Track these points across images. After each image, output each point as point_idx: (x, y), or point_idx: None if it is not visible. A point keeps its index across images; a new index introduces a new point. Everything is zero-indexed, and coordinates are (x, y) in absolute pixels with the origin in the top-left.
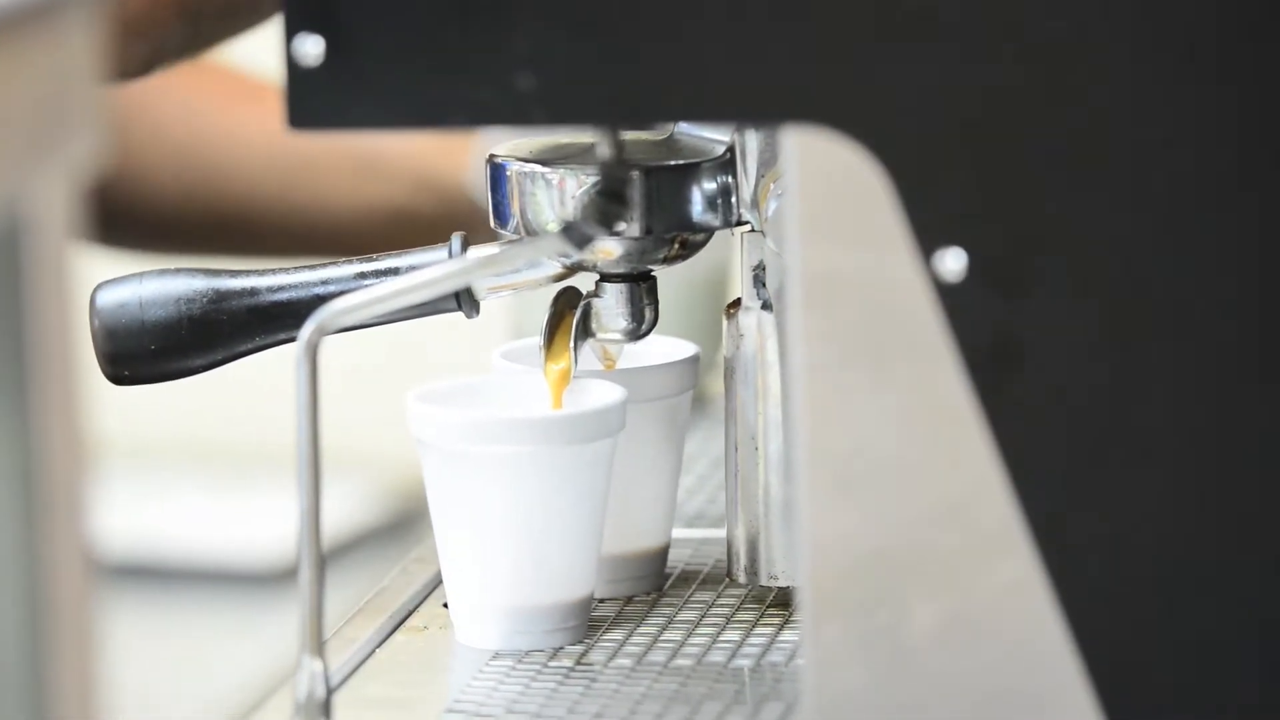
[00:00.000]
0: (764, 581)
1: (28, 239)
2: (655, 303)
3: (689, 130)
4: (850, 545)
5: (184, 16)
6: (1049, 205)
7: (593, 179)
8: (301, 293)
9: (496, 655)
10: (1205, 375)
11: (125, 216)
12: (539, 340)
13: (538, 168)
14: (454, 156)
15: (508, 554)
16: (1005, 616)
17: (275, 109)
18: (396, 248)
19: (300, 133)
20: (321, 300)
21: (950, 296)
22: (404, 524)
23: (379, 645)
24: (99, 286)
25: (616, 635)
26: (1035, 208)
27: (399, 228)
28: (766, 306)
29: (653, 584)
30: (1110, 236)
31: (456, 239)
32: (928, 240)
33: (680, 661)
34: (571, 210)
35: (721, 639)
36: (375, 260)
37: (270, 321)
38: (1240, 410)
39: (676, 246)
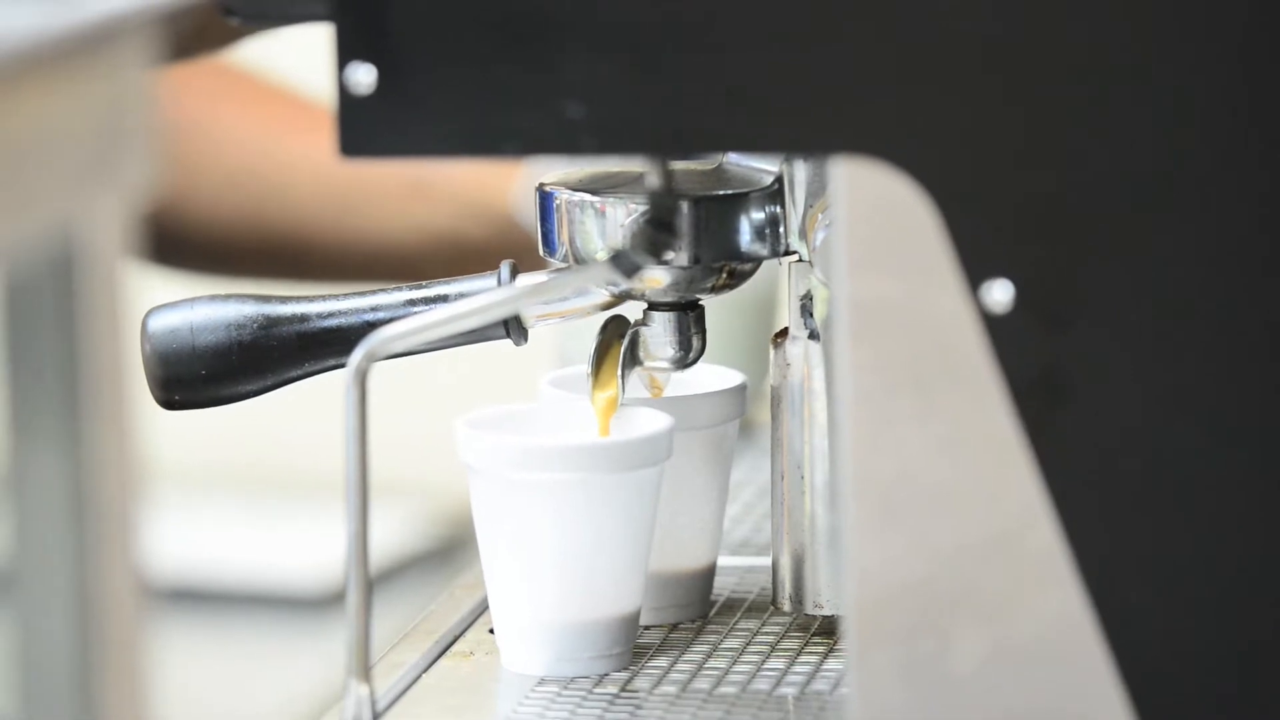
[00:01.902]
0: (809, 610)
1: (82, 264)
2: (703, 331)
3: (737, 160)
4: (895, 574)
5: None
6: (1096, 238)
7: (641, 208)
8: (351, 319)
9: (542, 681)
10: (1250, 410)
11: (179, 240)
12: (587, 368)
13: (587, 196)
14: (501, 182)
15: (554, 580)
16: (1050, 647)
17: (327, 134)
18: (444, 271)
19: (352, 161)
20: (371, 327)
21: (997, 328)
22: (451, 549)
23: (425, 670)
24: (151, 312)
25: (661, 662)
26: (1082, 240)
27: (447, 252)
28: (813, 336)
29: (698, 611)
30: (1157, 269)
31: (505, 267)
32: (975, 271)
33: (725, 689)
34: (620, 239)
35: (766, 667)
36: (424, 287)
37: (320, 347)
38: None
39: (724, 276)
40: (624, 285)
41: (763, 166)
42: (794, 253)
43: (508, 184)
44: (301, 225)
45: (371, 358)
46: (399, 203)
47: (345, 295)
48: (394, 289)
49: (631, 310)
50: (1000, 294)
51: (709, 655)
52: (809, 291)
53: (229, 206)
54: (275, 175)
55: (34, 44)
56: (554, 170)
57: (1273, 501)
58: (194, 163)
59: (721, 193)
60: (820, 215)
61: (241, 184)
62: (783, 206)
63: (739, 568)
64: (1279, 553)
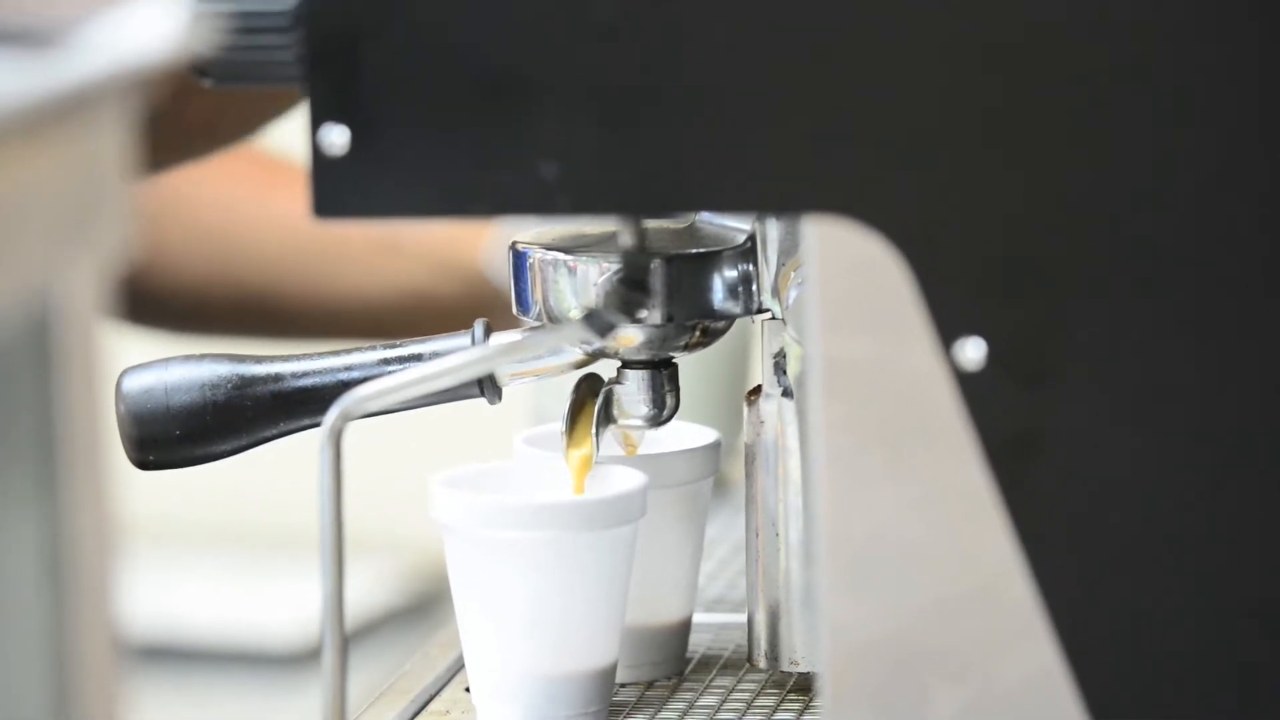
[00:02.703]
0: (784, 666)
1: (58, 326)
2: (676, 389)
3: (710, 219)
4: (870, 631)
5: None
6: (1068, 295)
7: (615, 267)
8: (325, 379)
9: None
10: (1225, 466)
11: (151, 296)
12: (561, 426)
13: (560, 255)
14: (472, 239)
15: (529, 638)
16: (1025, 705)
17: (298, 192)
18: (417, 329)
19: (326, 221)
20: (345, 386)
21: (970, 385)
22: (426, 607)
23: None
24: (125, 372)
25: None
26: (1054, 298)
27: (419, 310)
28: (787, 394)
29: (673, 668)
30: (1129, 327)
31: (479, 326)
32: (947, 329)
33: None
34: (593, 298)
35: None
36: (399, 347)
37: (294, 407)
38: (1261, 501)
39: (698, 334)
40: (598, 344)
41: (735, 225)
42: (767, 310)
43: (478, 241)
44: (272, 283)
45: (346, 417)
46: (369, 260)
47: (319, 355)
48: (368, 348)
49: (605, 368)
50: (973, 352)
51: (685, 713)
52: (782, 349)
53: (199, 263)
54: (245, 233)
55: (12, 107)
56: (526, 229)
57: (1248, 555)
58: (165, 220)
59: (694, 251)
60: (793, 273)
61: (211, 241)
62: (755, 265)
63: (714, 624)
64: (1254, 607)
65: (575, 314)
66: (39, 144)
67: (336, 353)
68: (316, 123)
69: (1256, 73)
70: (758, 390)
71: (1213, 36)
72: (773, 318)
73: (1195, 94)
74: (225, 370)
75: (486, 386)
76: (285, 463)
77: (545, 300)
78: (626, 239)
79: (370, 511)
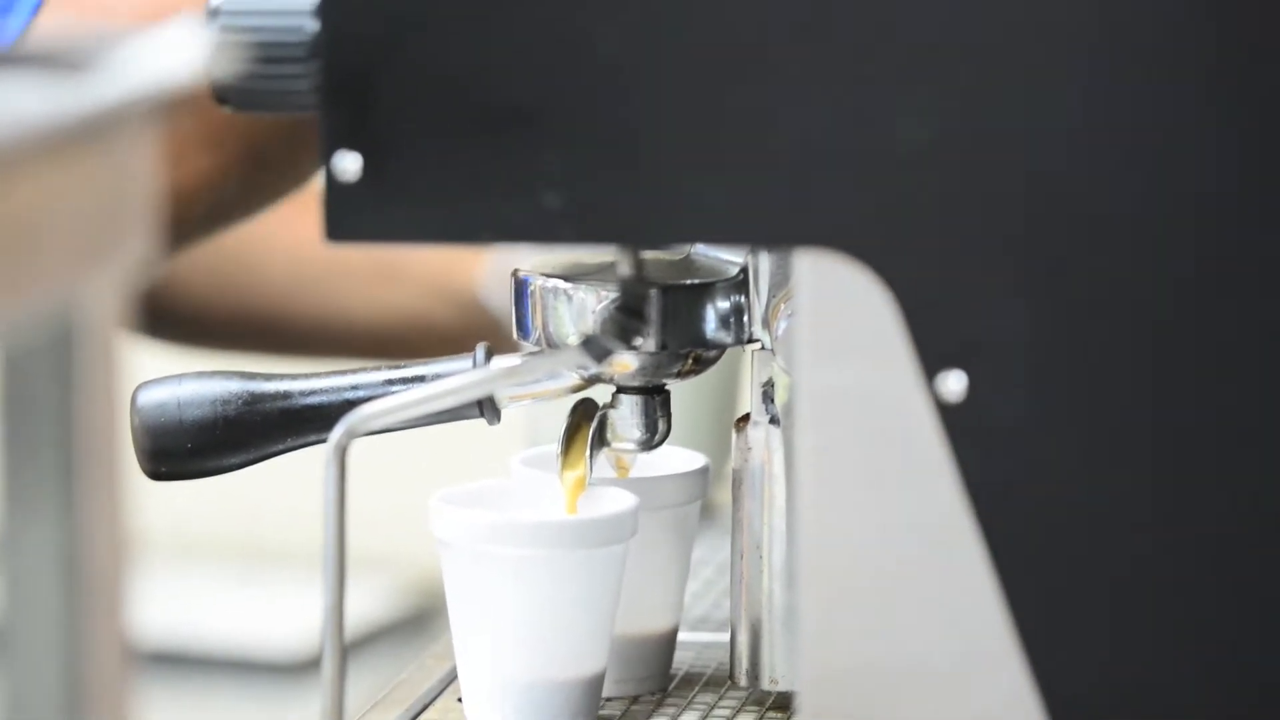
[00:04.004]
0: (765, 685)
1: (79, 339)
2: (668, 415)
3: (705, 251)
4: (849, 653)
5: (245, 166)
6: (1049, 331)
7: (612, 295)
8: (332, 397)
9: None
10: (1201, 503)
11: (165, 313)
12: (556, 447)
13: (560, 283)
14: (469, 265)
15: (520, 651)
16: None
17: (306, 219)
18: (416, 352)
19: (338, 245)
20: (351, 405)
21: (951, 417)
22: (423, 620)
23: None
24: (140, 387)
25: None
26: (1035, 333)
27: (418, 333)
28: (774, 421)
29: (658, 684)
30: (1110, 363)
31: (481, 349)
32: (931, 361)
33: None
34: (591, 325)
35: None
36: (403, 368)
37: (302, 424)
38: (1235, 535)
39: (690, 362)
40: (594, 369)
41: (729, 257)
42: (757, 341)
43: (475, 268)
44: (276, 303)
45: (351, 434)
46: (368, 284)
47: (327, 374)
48: (374, 369)
49: (601, 393)
50: (955, 384)
51: None
52: (770, 378)
53: (210, 284)
54: (254, 256)
55: (37, 126)
56: (528, 257)
57: (1220, 587)
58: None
59: (689, 282)
60: (783, 305)
61: (223, 263)
62: (747, 296)
63: (698, 643)
64: (1225, 636)
65: (573, 340)
66: (65, 163)
67: (343, 372)
68: (331, 150)
69: (1215, 112)
70: (746, 417)
71: (1178, 78)
72: (762, 348)
73: (1174, 134)
74: (236, 386)
75: (486, 408)
76: (292, 478)
77: (545, 326)
78: (624, 269)
79: (372, 527)
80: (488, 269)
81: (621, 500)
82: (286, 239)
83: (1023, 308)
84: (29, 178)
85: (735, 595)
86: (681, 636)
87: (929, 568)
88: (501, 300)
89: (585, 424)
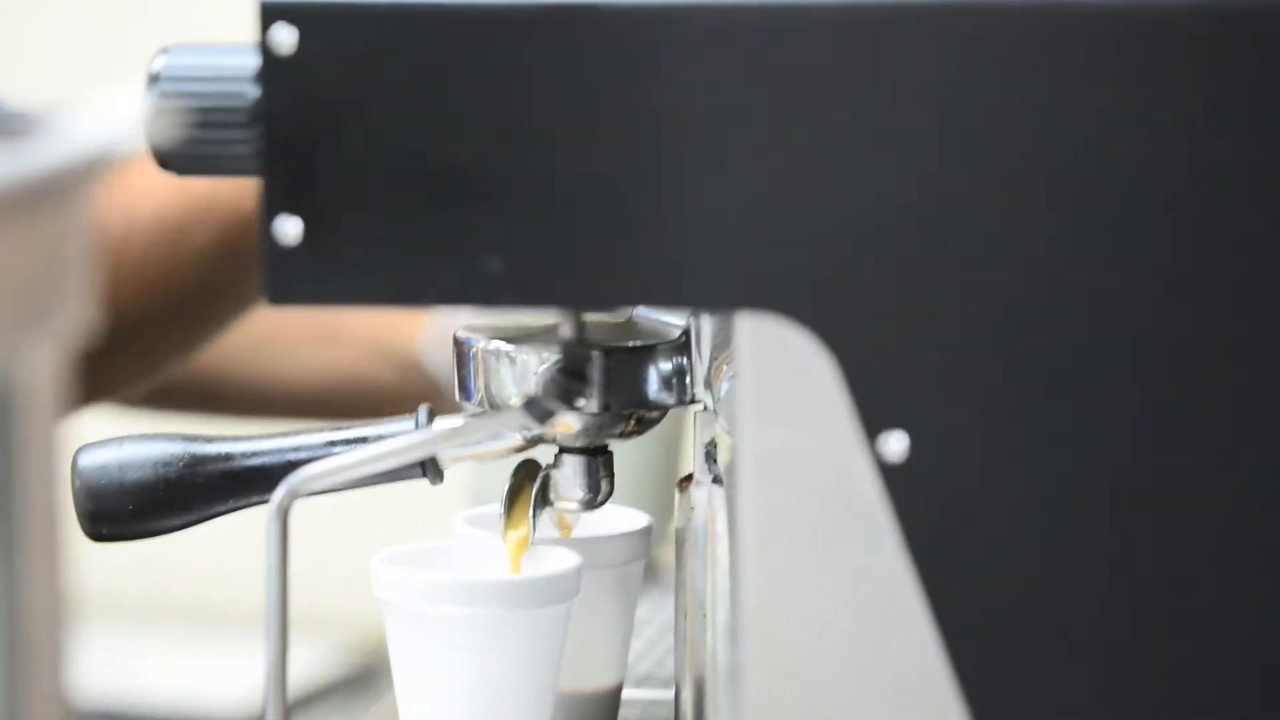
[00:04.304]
0: None
1: (16, 406)
2: (611, 475)
3: (647, 313)
4: (792, 712)
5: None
6: (990, 391)
7: (554, 357)
8: (274, 458)
9: None
10: (1144, 556)
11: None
12: (500, 507)
13: (502, 345)
14: (409, 327)
15: (463, 710)
16: None
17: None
18: (356, 413)
19: (280, 308)
20: (293, 466)
21: (893, 477)
22: (366, 679)
23: None
24: (81, 449)
25: None
26: (976, 393)
27: (357, 394)
28: (717, 481)
29: None
30: (1051, 422)
31: (423, 410)
32: (872, 422)
33: None
34: (534, 386)
35: None
36: (345, 429)
37: (244, 485)
38: (1191, 591)
39: (633, 423)
40: (537, 430)
41: (671, 320)
42: (699, 402)
43: (414, 330)
44: (219, 364)
45: (293, 495)
46: (307, 346)
47: (268, 436)
48: (315, 430)
49: (544, 454)
50: (896, 444)
51: None
52: (713, 439)
53: None
54: None
55: None
56: (469, 319)
57: (1169, 650)
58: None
59: (631, 344)
60: (725, 366)
61: None
62: (689, 358)
63: (643, 700)
64: (1172, 689)
65: (516, 401)
66: (4, 228)
67: (285, 434)
68: (271, 214)
69: (1184, 159)
70: (689, 478)
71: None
72: (705, 409)
73: (1116, 188)
74: (178, 449)
75: (429, 468)
76: (234, 538)
77: (487, 387)
78: (566, 331)
79: (314, 588)
80: (429, 331)
81: (565, 559)
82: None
83: (964, 369)
84: None
85: (679, 653)
86: (626, 694)
87: (872, 626)
88: (442, 361)
89: (528, 484)
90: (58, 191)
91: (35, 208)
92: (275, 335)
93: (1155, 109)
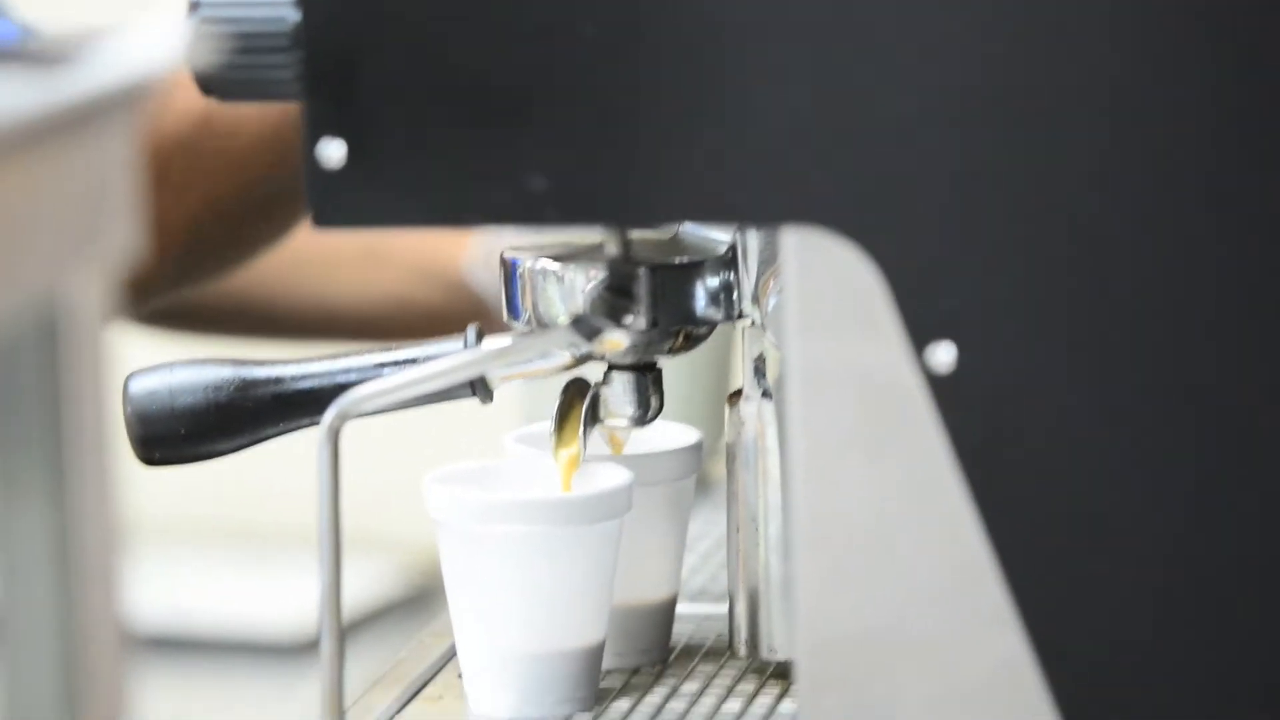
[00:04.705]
0: (764, 655)
1: (65, 329)
2: (660, 391)
3: (693, 229)
4: (844, 621)
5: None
6: (1037, 300)
7: (601, 275)
8: (324, 381)
9: None
10: (1193, 462)
11: (151, 299)
12: (550, 425)
13: (549, 264)
14: (453, 247)
15: (518, 627)
16: (995, 694)
17: None
18: (402, 334)
19: (324, 231)
20: (343, 388)
21: (941, 388)
22: (421, 599)
23: (396, 714)
24: (131, 375)
25: (623, 705)
26: (1023, 302)
27: (403, 315)
28: (766, 395)
29: (658, 656)
30: (1096, 331)
31: (472, 330)
32: (919, 334)
33: None
34: (581, 304)
35: (723, 709)
36: (394, 350)
37: (294, 408)
38: (1231, 495)
39: (681, 339)
40: (585, 348)
41: (717, 235)
42: (747, 317)
43: (459, 250)
44: (266, 289)
45: (344, 417)
46: (355, 269)
47: (318, 358)
48: (365, 352)
49: (593, 371)
50: (944, 355)
51: (668, 698)
52: (761, 353)
53: None
54: None
55: (23, 119)
56: (516, 238)
57: (1218, 548)
58: None
59: (678, 260)
60: (772, 281)
61: None
62: (736, 273)
63: (697, 615)
64: (1224, 598)
65: (563, 320)
66: (49, 155)
67: (334, 356)
68: (314, 137)
69: (1214, 80)
70: (739, 393)
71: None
72: (753, 324)
73: (1152, 109)
74: (228, 373)
75: (479, 388)
76: (287, 460)
77: (535, 307)
78: (613, 248)
79: (367, 509)
80: (473, 251)
81: (616, 476)
82: None
83: (1010, 279)
84: (12, 171)
85: (732, 567)
86: (680, 609)
87: (922, 536)
88: (488, 281)
89: (578, 402)
90: (101, 117)
91: (79, 134)
92: (319, 257)
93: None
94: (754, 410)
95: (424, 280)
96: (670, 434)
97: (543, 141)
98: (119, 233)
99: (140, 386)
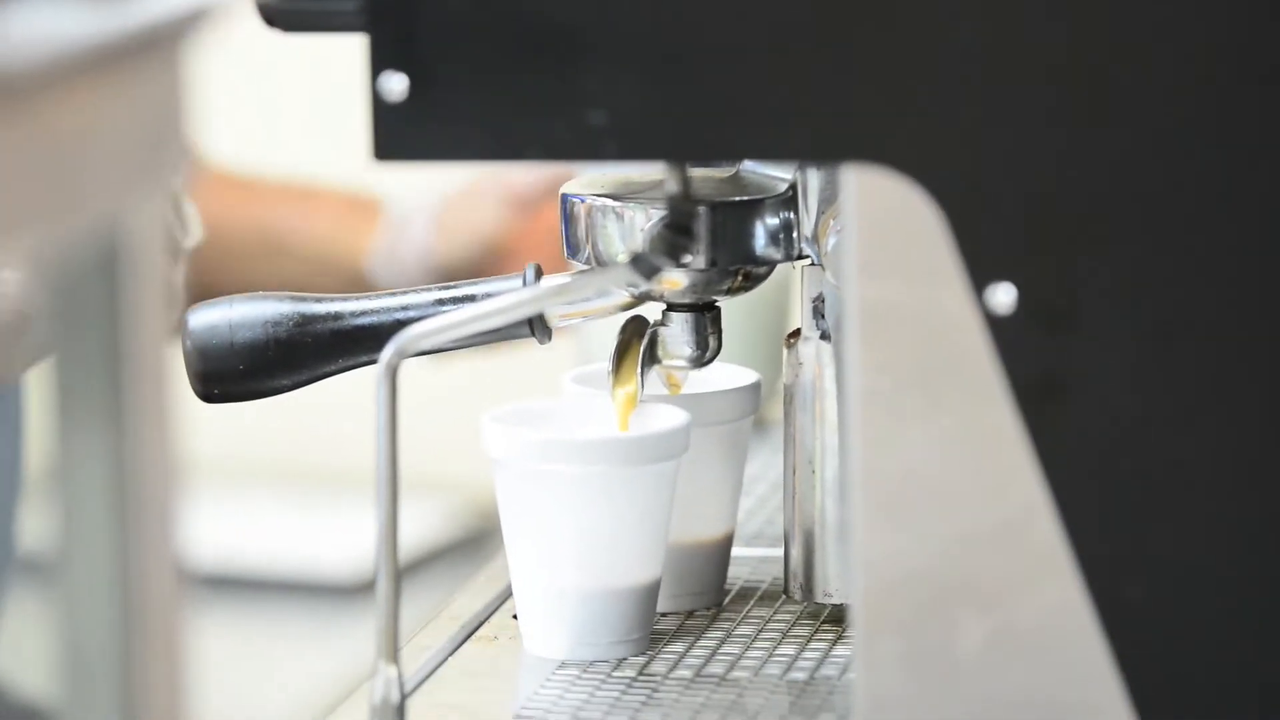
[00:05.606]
0: (819, 598)
1: (127, 261)
2: (719, 331)
3: (753, 168)
4: (901, 565)
5: None
6: (1096, 242)
7: (661, 213)
8: (383, 317)
9: (563, 665)
10: (1247, 407)
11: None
12: (608, 365)
13: (608, 202)
14: (356, 239)
15: (574, 568)
16: (1049, 635)
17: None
18: None
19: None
20: (401, 325)
21: (1000, 329)
22: (477, 540)
23: (451, 653)
24: (191, 309)
25: (677, 648)
26: (1082, 244)
27: None
28: (825, 336)
29: (713, 599)
30: (1155, 272)
31: (531, 268)
32: (979, 275)
33: (737, 674)
34: (640, 243)
35: (777, 653)
36: (453, 288)
37: (353, 344)
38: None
39: (740, 278)
40: (644, 287)
41: (777, 174)
42: (806, 256)
43: (362, 242)
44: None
45: (402, 354)
46: (254, 260)
47: (377, 295)
48: (424, 289)
49: (651, 311)
50: (1004, 296)
51: (723, 641)
52: (821, 294)
53: None
54: None
55: (82, 48)
56: (575, 178)
57: (1268, 496)
58: None
59: (737, 199)
60: (832, 221)
61: None
62: (796, 212)
63: (752, 558)
64: (1273, 546)
65: (622, 258)
66: (108, 84)
67: (393, 293)
68: (376, 70)
69: (1265, 36)
70: (797, 333)
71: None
72: (812, 263)
73: (1225, 36)
74: (287, 308)
75: (537, 326)
76: (344, 399)
77: (594, 245)
78: (672, 186)
79: (424, 450)
80: (376, 243)
81: (673, 417)
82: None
83: (1071, 219)
84: (71, 101)
85: (788, 510)
86: (736, 552)
87: (980, 479)
88: (389, 274)
89: (636, 341)
90: (160, 47)
91: (138, 63)
92: (220, 248)
93: None
94: (812, 351)
95: (324, 271)
96: (728, 375)
97: (603, 76)
98: (179, 161)
99: (200, 321)
